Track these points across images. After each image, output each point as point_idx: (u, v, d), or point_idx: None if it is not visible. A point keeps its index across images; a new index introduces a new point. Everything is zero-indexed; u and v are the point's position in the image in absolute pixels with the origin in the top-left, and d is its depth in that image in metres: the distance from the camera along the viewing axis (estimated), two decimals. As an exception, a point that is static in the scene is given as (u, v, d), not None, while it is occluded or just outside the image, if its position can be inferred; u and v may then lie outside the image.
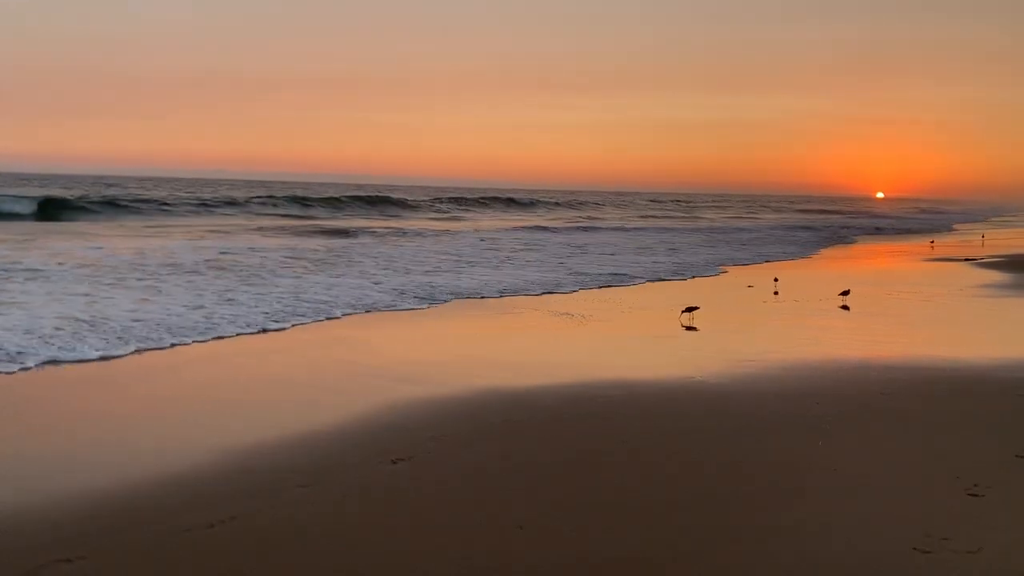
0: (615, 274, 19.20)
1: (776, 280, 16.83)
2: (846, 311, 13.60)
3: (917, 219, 68.31)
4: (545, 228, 38.98)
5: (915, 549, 4.40)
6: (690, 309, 12.22)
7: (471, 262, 21.13)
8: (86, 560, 4.21)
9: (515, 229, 36.93)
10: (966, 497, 5.17)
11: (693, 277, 19.51)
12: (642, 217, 58.20)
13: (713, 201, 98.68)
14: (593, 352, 10.21)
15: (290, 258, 20.28)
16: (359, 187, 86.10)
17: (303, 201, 51.91)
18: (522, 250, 25.57)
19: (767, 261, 25.24)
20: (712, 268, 21.76)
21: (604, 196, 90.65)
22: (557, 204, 69.21)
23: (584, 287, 16.57)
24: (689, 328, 11.55)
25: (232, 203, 48.02)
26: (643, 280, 18.40)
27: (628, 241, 31.98)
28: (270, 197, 52.76)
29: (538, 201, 69.78)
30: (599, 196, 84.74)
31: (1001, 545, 4.47)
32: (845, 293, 14.70)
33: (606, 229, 40.45)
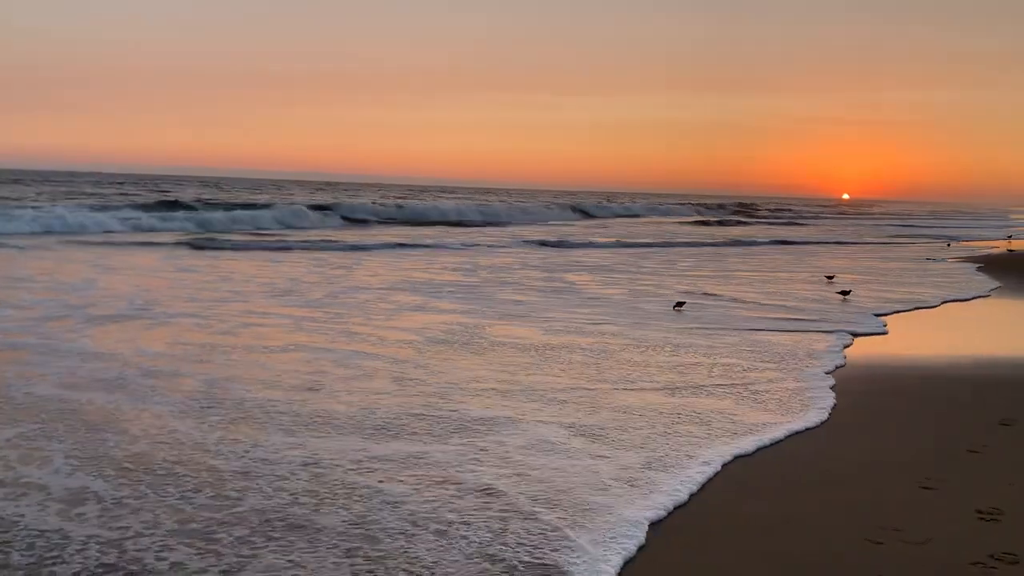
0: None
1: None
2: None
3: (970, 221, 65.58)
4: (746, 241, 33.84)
5: (867, 540, 4.51)
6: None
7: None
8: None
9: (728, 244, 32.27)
10: (918, 490, 5.31)
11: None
12: (764, 226, 50.41)
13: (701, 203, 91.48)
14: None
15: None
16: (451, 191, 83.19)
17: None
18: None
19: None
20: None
21: (584, 198, 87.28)
22: (607, 216, 58.05)
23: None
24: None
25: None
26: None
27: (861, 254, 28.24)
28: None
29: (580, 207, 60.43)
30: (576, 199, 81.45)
31: (950, 535, 4.60)
32: (845, 293, 14.97)
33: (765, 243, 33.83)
